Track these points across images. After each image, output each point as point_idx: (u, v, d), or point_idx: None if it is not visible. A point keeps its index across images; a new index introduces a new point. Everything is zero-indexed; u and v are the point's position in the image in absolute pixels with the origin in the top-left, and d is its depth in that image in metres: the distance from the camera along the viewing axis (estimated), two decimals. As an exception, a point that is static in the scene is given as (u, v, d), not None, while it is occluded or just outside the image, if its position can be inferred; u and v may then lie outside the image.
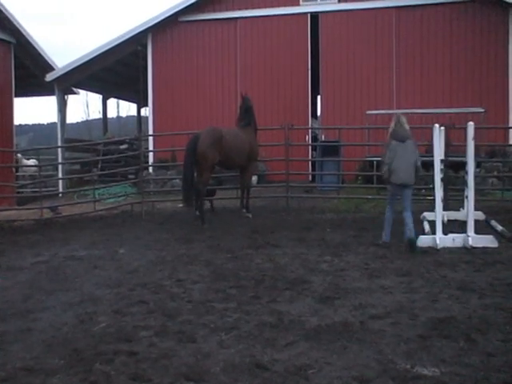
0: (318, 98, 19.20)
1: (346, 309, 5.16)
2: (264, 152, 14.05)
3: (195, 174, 10.56)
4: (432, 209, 9.13)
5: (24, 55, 17.69)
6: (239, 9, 17.04)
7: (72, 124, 40.19)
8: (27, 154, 21.60)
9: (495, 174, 14.00)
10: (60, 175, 17.78)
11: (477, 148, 10.48)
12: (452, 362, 3.90)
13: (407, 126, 8.34)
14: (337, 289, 5.86)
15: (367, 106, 15.56)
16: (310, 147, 16.72)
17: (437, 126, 8.83)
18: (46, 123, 56.07)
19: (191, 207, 10.63)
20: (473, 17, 15.73)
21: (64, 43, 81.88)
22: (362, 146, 14.58)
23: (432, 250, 7.73)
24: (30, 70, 18.38)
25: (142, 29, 17.31)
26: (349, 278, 6.34)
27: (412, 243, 7.84)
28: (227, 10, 17.12)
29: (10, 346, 4.49)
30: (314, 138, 18.12)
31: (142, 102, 24.05)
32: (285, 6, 16.76)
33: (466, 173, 8.56)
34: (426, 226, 9.15)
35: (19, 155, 19.50)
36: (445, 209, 9.69)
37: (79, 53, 36.09)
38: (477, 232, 8.08)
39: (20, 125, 47.63)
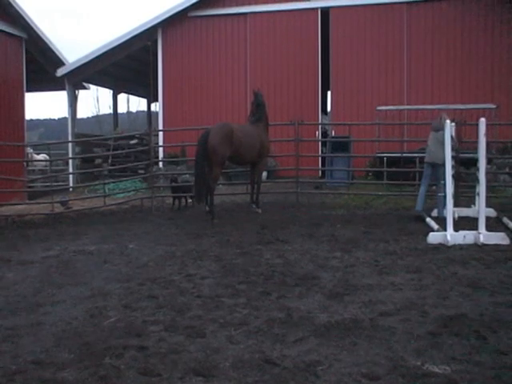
0: (328, 93, 19.14)
1: (356, 305, 5.14)
2: (274, 147, 14.02)
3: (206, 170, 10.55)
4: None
5: (35, 50, 17.77)
6: (249, 4, 17.00)
7: (83, 119, 40.39)
8: (38, 148, 21.73)
9: (507, 170, 13.90)
10: (70, 170, 17.87)
11: (488, 144, 10.42)
12: (463, 359, 3.87)
13: (445, 121, 9.67)
14: (346, 285, 5.84)
15: (378, 101, 15.48)
16: (319, 143, 16.67)
17: (448, 121, 8.79)
18: (56, 118, 56.38)
19: (202, 202, 10.63)
20: (485, 12, 15.58)
21: (74, 39, 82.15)
22: (373, 142, 14.52)
23: (443, 247, 7.68)
24: (41, 65, 18.45)
25: (151, 24, 17.34)
26: (358, 274, 6.31)
27: (421, 218, 9.80)
28: (237, 5, 17.08)
29: (20, 340, 4.52)
30: (324, 134, 18.07)
31: (152, 97, 24.11)
32: (295, 1, 16.68)
33: (478, 169, 8.51)
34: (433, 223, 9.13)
35: (30, 150, 19.61)
36: (456, 205, 9.69)
37: (89, 48, 36.21)
38: (488, 229, 8.01)
39: (31, 120, 47.97)
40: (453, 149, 9.85)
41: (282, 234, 8.94)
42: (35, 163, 20.18)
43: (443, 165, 9.76)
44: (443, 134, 9.64)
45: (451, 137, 9.90)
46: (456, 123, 10.94)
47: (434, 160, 9.97)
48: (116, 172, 16.71)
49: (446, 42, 15.81)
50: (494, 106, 13.89)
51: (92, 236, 9.46)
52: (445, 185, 8.79)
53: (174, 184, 12.67)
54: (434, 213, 10.25)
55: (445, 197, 9.48)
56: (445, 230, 8.12)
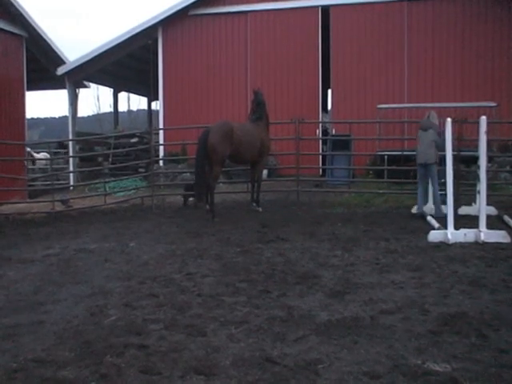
0: (329, 91, 19.12)
1: (357, 304, 5.14)
2: (274, 146, 14.01)
3: (206, 169, 10.55)
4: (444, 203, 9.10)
5: (36, 49, 17.75)
6: (249, 2, 16.97)
7: (83, 117, 40.38)
8: (38, 147, 21.74)
9: (507, 168, 13.89)
10: (71, 168, 17.87)
11: (489, 142, 10.42)
12: (463, 357, 3.87)
13: (434, 119, 10.20)
14: (347, 283, 5.83)
15: (378, 99, 15.46)
16: (320, 141, 16.66)
17: (449, 120, 8.78)
18: (57, 117, 56.36)
19: (202, 201, 10.62)
20: (485, 10, 15.56)
21: (74, 38, 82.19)
22: (373, 140, 14.51)
23: (443, 245, 7.67)
24: (41, 64, 18.44)
25: (152, 23, 17.32)
26: (359, 272, 6.31)
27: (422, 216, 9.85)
28: (237, 3, 17.06)
29: (21, 338, 4.52)
30: (325, 132, 18.05)
31: (152, 96, 24.09)
32: (296, -1, 16.68)
33: (478, 167, 8.50)
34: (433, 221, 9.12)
35: (28, 149, 19.59)
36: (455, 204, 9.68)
37: (90, 47, 36.23)
38: (489, 227, 8.00)
39: (32, 118, 47.94)
40: (439, 148, 9.88)
41: (282, 232, 8.94)
42: (36, 162, 20.15)
43: (435, 163, 9.97)
44: (433, 133, 9.98)
45: (439, 134, 9.97)
46: (457, 121, 10.95)
47: (426, 160, 9.99)
48: (117, 170, 16.72)
49: (446, 40, 15.78)
50: (494, 105, 13.88)
51: (92, 234, 9.46)
52: (444, 183, 8.77)
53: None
54: (414, 210, 10.34)
55: (442, 195, 9.55)
56: (445, 228, 8.11)
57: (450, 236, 7.83)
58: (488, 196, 8.55)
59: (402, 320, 4.66)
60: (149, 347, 4.19)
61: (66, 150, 20.28)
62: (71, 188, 16.60)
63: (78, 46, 71.35)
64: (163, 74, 17.76)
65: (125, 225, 10.38)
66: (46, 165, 19.39)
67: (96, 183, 15.61)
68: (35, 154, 20.11)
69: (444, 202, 8.95)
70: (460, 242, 7.77)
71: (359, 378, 3.61)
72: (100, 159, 19.39)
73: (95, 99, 48.66)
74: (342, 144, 14.74)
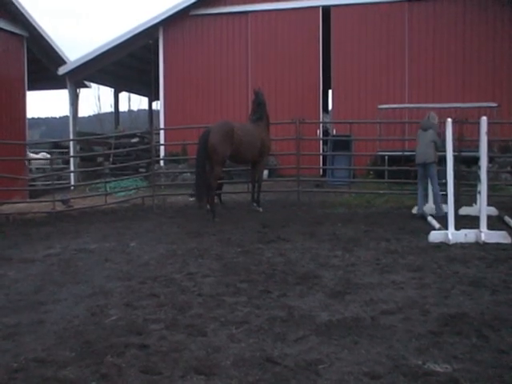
0: (330, 92, 19.12)
1: (357, 304, 5.14)
2: (275, 146, 14.01)
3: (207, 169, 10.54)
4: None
5: (36, 49, 17.75)
6: (250, 2, 16.97)
7: (84, 117, 40.36)
8: (38, 147, 21.75)
9: (508, 169, 13.88)
10: (72, 168, 17.88)
11: (490, 143, 10.42)
12: (464, 358, 3.87)
13: (433, 120, 10.25)
14: (348, 284, 5.83)
15: (379, 100, 15.45)
16: (321, 141, 16.66)
17: (449, 120, 8.77)
18: (58, 116, 56.40)
19: (203, 202, 10.59)
20: (486, 10, 15.55)
21: (74, 38, 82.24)
22: (374, 140, 14.51)
23: (444, 246, 7.67)
24: (42, 64, 18.44)
25: (153, 23, 17.33)
26: (360, 273, 6.31)
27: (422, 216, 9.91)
28: (238, 3, 17.05)
29: (22, 338, 4.52)
30: (325, 132, 18.05)
31: (153, 96, 24.10)
32: (296, -1, 16.68)
33: (479, 168, 8.50)
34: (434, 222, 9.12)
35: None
36: (456, 204, 9.68)
37: (90, 47, 36.26)
38: (489, 227, 8.00)
39: (33, 118, 47.94)
40: (438, 149, 9.88)
41: (283, 232, 8.94)
42: (32, 162, 20.13)
43: (434, 163, 10.02)
44: (432, 133, 10.05)
45: (439, 134, 9.99)
46: (458, 122, 10.97)
47: (424, 160, 10.04)
48: (117, 170, 16.73)
49: (447, 40, 15.78)
50: (495, 105, 13.87)
51: (93, 234, 9.46)
52: (445, 184, 8.77)
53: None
54: (415, 210, 10.37)
55: (442, 195, 9.54)
56: (446, 228, 8.11)
57: (450, 236, 7.83)
58: (489, 196, 8.56)
59: (403, 320, 4.65)
60: (149, 347, 4.20)
61: (61, 150, 20.31)
62: (72, 188, 16.60)
63: (79, 45, 71.44)
64: (164, 73, 17.76)
65: (125, 225, 10.38)
66: (44, 165, 19.38)
67: (97, 183, 15.62)
68: (32, 154, 20.09)
69: (444, 202, 8.95)
70: (461, 243, 7.77)
71: (360, 378, 3.61)
72: (101, 159, 19.40)
73: (96, 99, 48.58)
74: (342, 144, 14.74)
